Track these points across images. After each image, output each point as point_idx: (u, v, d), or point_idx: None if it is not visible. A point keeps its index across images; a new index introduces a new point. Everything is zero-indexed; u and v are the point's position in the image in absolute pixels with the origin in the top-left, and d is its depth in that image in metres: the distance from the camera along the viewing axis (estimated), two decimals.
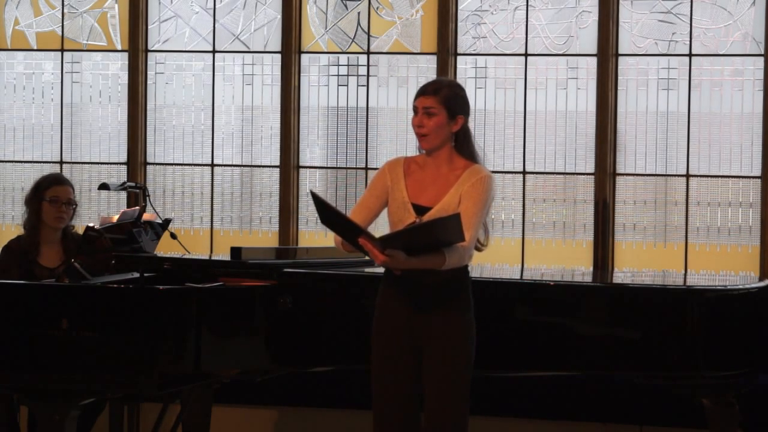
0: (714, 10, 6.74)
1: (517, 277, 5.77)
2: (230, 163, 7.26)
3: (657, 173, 6.81)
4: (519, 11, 6.93)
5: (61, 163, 7.39)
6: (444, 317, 4.10)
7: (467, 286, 4.16)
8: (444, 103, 4.14)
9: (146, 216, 5.32)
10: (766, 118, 6.65)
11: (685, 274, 6.47)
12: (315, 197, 4.00)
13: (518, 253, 6.89)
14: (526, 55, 6.93)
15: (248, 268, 4.91)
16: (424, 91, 4.17)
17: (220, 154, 7.27)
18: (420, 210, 4.11)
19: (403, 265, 3.97)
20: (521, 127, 6.94)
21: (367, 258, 4.93)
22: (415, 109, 4.17)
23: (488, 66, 6.97)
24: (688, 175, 6.78)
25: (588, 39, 6.85)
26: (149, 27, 7.29)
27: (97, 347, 4.45)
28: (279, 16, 7.16)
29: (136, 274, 5.00)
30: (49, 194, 5.32)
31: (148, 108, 7.30)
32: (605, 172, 6.80)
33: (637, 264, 6.77)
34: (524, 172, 6.93)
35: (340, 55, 7.13)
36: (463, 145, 4.20)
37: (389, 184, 4.19)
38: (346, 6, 7.12)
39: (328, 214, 4.04)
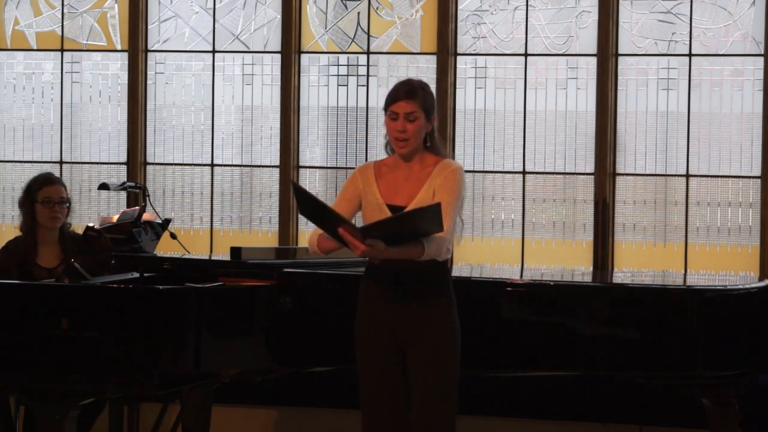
0: (714, 10, 6.74)
1: (517, 277, 5.76)
2: (230, 163, 7.26)
3: (657, 173, 6.81)
4: (519, 11, 6.93)
5: (61, 163, 7.39)
6: (426, 315, 4.11)
7: (448, 282, 4.17)
8: (423, 107, 4.16)
9: (146, 216, 5.32)
10: (766, 118, 6.65)
11: (685, 274, 6.47)
12: (296, 187, 4.03)
13: (518, 253, 6.89)
14: (526, 55, 6.93)
15: (248, 268, 4.91)
16: (400, 97, 4.17)
17: (220, 154, 7.27)
18: (395, 210, 4.14)
19: (382, 255, 4.00)
20: (521, 127, 6.94)
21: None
22: (395, 115, 4.16)
23: (488, 66, 6.97)
24: (688, 175, 6.78)
25: (588, 39, 6.85)
26: (149, 27, 7.29)
27: (97, 347, 4.45)
28: (279, 16, 7.16)
29: (136, 274, 5.01)
30: (41, 196, 5.31)
31: (148, 108, 7.30)
32: (605, 172, 6.80)
33: (637, 264, 6.77)
34: (524, 172, 6.93)
35: (339, 55, 7.13)
36: (432, 143, 4.23)
37: (361, 188, 4.22)
38: (346, 6, 7.12)
39: (309, 205, 4.07)
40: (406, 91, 4.17)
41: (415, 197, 4.13)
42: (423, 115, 4.16)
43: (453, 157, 4.29)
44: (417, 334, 4.11)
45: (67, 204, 5.38)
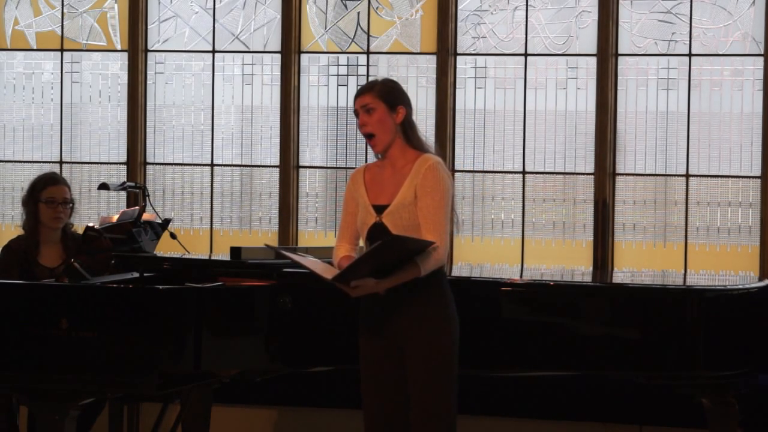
0: (714, 10, 6.74)
1: (517, 277, 5.76)
2: (230, 163, 7.27)
3: (657, 173, 6.82)
4: (519, 11, 6.94)
5: (60, 163, 7.39)
6: (421, 315, 4.10)
7: (442, 281, 4.15)
8: (380, 97, 4.16)
9: (146, 216, 5.32)
10: (765, 118, 6.65)
11: (685, 274, 6.47)
12: (277, 252, 4.06)
13: (518, 253, 6.89)
14: (525, 55, 6.93)
15: (248, 268, 4.91)
16: (358, 93, 4.21)
17: (220, 154, 7.27)
18: (379, 209, 4.14)
19: (378, 289, 4.02)
20: (521, 127, 6.95)
21: None
22: (356, 113, 4.20)
23: (488, 66, 6.97)
24: (687, 175, 6.79)
25: (588, 39, 6.85)
26: (149, 27, 7.30)
27: (96, 347, 4.44)
28: (279, 16, 7.16)
29: (136, 274, 5.01)
30: (45, 195, 5.30)
31: (147, 108, 7.30)
32: (605, 172, 6.80)
33: (637, 264, 6.77)
34: (524, 172, 6.93)
35: (339, 55, 7.13)
36: (411, 137, 4.20)
37: (355, 195, 4.23)
38: (345, 6, 7.12)
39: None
40: (362, 87, 4.23)
41: (396, 196, 4.12)
42: (382, 105, 4.16)
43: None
44: (412, 333, 4.10)
45: (71, 204, 5.37)
